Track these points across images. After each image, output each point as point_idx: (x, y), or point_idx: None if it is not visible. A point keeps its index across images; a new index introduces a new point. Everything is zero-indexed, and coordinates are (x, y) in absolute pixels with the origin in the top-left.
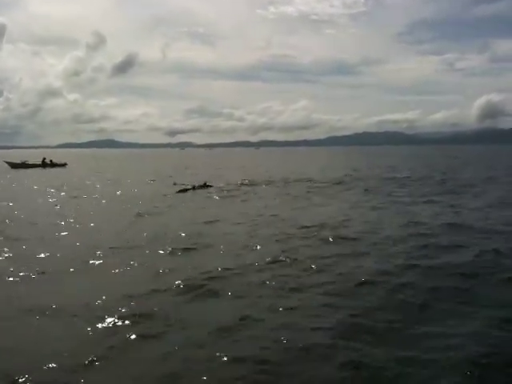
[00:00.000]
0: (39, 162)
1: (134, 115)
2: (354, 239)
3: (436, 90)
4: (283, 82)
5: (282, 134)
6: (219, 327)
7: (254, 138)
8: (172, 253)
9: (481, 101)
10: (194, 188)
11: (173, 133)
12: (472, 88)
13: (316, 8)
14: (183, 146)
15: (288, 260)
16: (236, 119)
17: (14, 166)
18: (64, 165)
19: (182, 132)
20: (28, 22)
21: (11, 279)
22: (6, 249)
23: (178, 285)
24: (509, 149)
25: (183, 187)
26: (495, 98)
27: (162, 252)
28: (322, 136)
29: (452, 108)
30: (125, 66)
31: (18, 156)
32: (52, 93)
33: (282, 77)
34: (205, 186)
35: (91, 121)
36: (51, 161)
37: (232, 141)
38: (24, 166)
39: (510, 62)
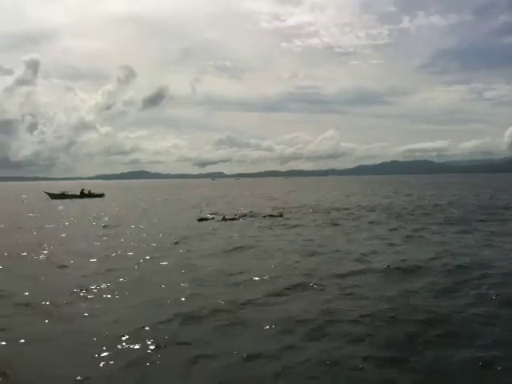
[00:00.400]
0: (77, 193)
1: (164, 147)
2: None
3: (464, 119)
4: (309, 112)
5: (310, 163)
6: None
7: (282, 168)
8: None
9: (511, 130)
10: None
11: (202, 163)
12: (501, 117)
13: (340, 40)
14: (213, 176)
15: None
16: (264, 149)
17: (53, 196)
18: (101, 195)
19: (212, 162)
20: (60, 58)
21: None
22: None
23: None
24: None
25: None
26: None
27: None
28: (350, 165)
29: (482, 137)
30: (155, 99)
31: (54, 187)
32: (84, 126)
33: (308, 107)
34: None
35: (123, 153)
36: (89, 191)
37: (261, 170)
38: (63, 196)
39: None
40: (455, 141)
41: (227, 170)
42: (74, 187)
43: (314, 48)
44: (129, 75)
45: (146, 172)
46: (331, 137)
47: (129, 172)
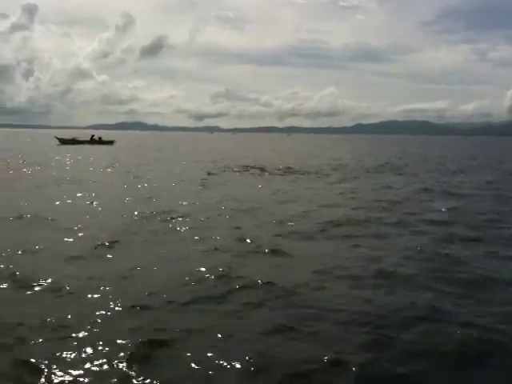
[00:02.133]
0: (88, 139)
1: (161, 97)
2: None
3: (466, 79)
4: (311, 67)
5: (308, 120)
6: None
7: (281, 124)
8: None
9: None
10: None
11: (200, 116)
12: (503, 79)
13: None
14: (210, 130)
15: None
16: (263, 104)
17: (63, 141)
18: (112, 142)
19: (209, 116)
20: (58, 2)
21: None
22: None
23: None
24: None
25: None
26: None
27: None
28: (349, 123)
29: (483, 98)
30: (153, 48)
31: (50, 135)
32: (81, 73)
33: (310, 62)
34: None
35: (119, 102)
36: (100, 138)
37: (259, 126)
38: (73, 142)
39: None
40: (455, 102)
41: (224, 123)
42: (69, 136)
43: (319, 1)
44: (128, 22)
45: (143, 123)
46: (331, 94)
47: (125, 122)
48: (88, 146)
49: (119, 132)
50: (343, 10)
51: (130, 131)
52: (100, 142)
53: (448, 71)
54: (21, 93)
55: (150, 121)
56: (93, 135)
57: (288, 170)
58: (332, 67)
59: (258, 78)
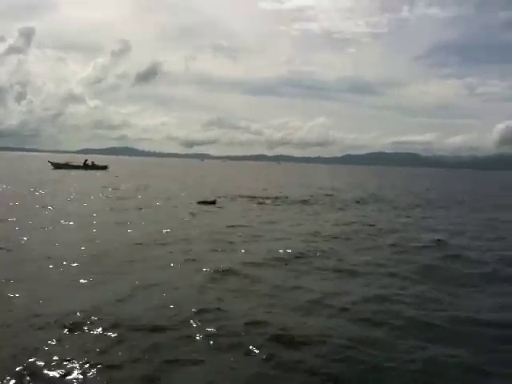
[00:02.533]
0: (81, 163)
1: (153, 124)
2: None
3: (455, 114)
4: (302, 97)
5: (298, 150)
6: None
7: (270, 152)
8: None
9: (500, 126)
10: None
11: (190, 143)
12: (492, 113)
13: (339, 26)
14: (200, 157)
15: None
16: (253, 132)
17: (56, 166)
18: (105, 167)
19: (199, 143)
20: (55, 28)
21: None
22: None
23: None
24: None
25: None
26: None
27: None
28: (339, 154)
29: (471, 132)
30: (148, 75)
31: (40, 159)
32: (73, 98)
33: (302, 93)
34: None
35: (110, 127)
36: (93, 162)
37: (249, 154)
38: (66, 166)
39: None
40: (443, 135)
41: (214, 151)
42: (60, 159)
43: (313, 32)
44: (123, 49)
45: (133, 149)
46: (322, 124)
47: (115, 147)
48: (82, 172)
49: (110, 157)
50: (336, 43)
51: (120, 156)
52: (93, 167)
53: (438, 105)
54: (12, 116)
55: (141, 147)
56: (86, 160)
57: (277, 200)
58: (323, 98)
59: (250, 107)
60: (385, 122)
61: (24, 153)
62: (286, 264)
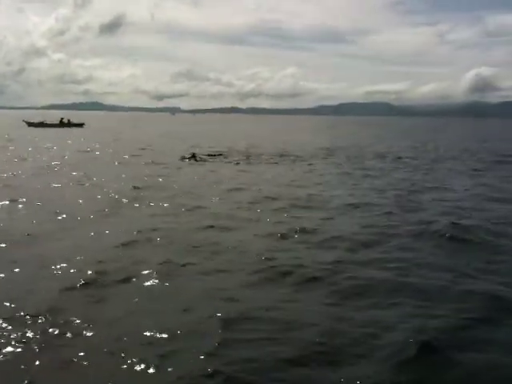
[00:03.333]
0: (57, 121)
1: (119, 77)
2: None
3: (427, 62)
4: (272, 47)
5: (271, 101)
6: None
7: (242, 105)
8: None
9: (470, 74)
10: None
11: (159, 96)
12: (462, 61)
13: None
14: (170, 110)
15: None
16: (224, 84)
17: (31, 124)
18: (81, 125)
19: (169, 96)
20: None
21: None
22: None
23: None
24: (494, 123)
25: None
26: (485, 71)
27: None
28: (311, 104)
29: (442, 80)
30: (112, 26)
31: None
32: (36, 52)
33: (272, 42)
34: None
35: (75, 82)
36: (69, 120)
37: (221, 106)
38: (42, 125)
39: (502, 37)
40: (415, 84)
41: (184, 104)
42: (25, 117)
43: None
44: None
45: (100, 103)
46: (292, 74)
47: (81, 103)
48: (58, 129)
49: (78, 112)
50: None
51: (87, 112)
52: (69, 124)
53: (409, 53)
54: None
55: (107, 101)
56: (62, 118)
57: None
58: (293, 48)
59: (219, 57)
60: (356, 71)
61: None
62: None
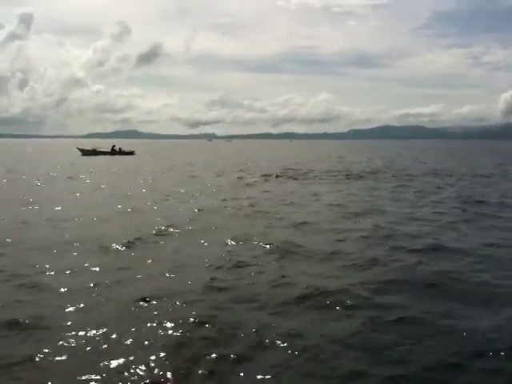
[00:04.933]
0: (109, 149)
1: (156, 106)
2: None
3: (460, 84)
4: (304, 73)
5: (303, 126)
6: None
7: (275, 130)
8: None
9: (506, 95)
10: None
11: (195, 124)
12: (497, 82)
13: None
14: (208, 137)
15: None
16: (257, 110)
17: (85, 153)
18: (132, 153)
19: (204, 123)
20: (53, 12)
21: None
22: None
23: None
24: None
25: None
26: None
27: None
28: (344, 129)
29: (476, 102)
30: (149, 57)
31: (45, 144)
32: (76, 83)
33: (304, 68)
34: None
35: (114, 111)
36: (120, 148)
37: (254, 132)
38: (95, 152)
39: None
40: (449, 106)
41: (219, 131)
42: (66, 145)
43: (312, 7)
44: (123, 31)
45: (138, 131)
46: (325, 99)
47: (120, 131)
48: (110, 157)
49: (119, 140)
50: (336, 16)
51: (126, 139)
52: (121, 152)
53: (442, 75)
54: (16, 103)
55: (145, 129)
56: (113, 146)
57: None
58: (325, 73)
59: (252, 85)
60: (388, 94)
61: (29, 139)
62: None
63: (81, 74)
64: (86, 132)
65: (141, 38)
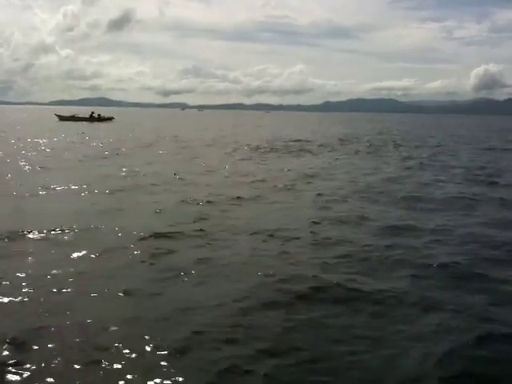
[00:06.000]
0: (87, 115)
1: (127, 73)
2: None
3: (434, 58)
4: (279, 43)
5: (277, 98)
6: None
7: (248, 101)
8: None
9: (478, 71)
10: None
11: (167, 93)
12: (469, 57)
13: None
14: (177, 106)
15: None
16: (231, 81)
17: (62, 118)
18: (111, 119)
19: (176, 92)
20: None
21: None
22: None
23: None
24: (502, 120)
25: None
26: (492, 68)
27: None
28: (318, 101)
29: (449, 77)
30: (121, 23)
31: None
32: (44, 48)
33: (278, 38)
34: None
35: (83, 78)
36: (99, 115)
37: (227, 103)
38: (73, 119)
39: (510, 33)
40: (422, 80)
41: (191, 100)
42: (35, 112)
43: None
44: None
45: (108, 99)
46: (300, 71)
47: (89, 98)
48: (87, 123)
49: (85, 108)
50: None
51: (95, 107)
52: (99, 119)
53: (415, 49)
54: None
55: (115, 97)
56: (92, 112)
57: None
58: (300, 44)
59: (226, 54)
60: (363, 67)
61: None
62: None
63: (49, 40)
64: (53, 99)
65: (112, 3)
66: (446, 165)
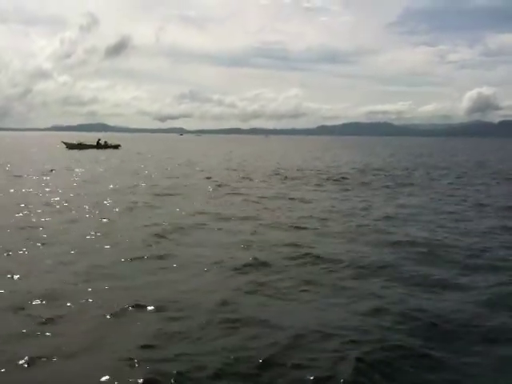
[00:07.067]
0: (94, 143)
1: (124, 99)
2: None
3: (428, 81)
4: (275, 68)
5: (273, 122)
6: None
7: (244, 126)
8: None
9: (472, 93)
10: None
11: (163, 118)
12: (463, 81)
13: None
14: (174, 131)
15: None
16: (227, 105)
17: (70, 146)
18: (117, 146)
19: (173, 117)
20: (17, 1)
21: None
22: None
23: None
24: (494, 142)
25: None
26: (486, 91)
27: None
28: (313, 125)
29: (443, 100)
30: (118, 49)
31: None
32: (42, 74)
33: (274, 63)
34: None
35: (80, 103)
36: (105, 142)
37: (223, 127)
38: (80, 146)
39: (502, 56)
40: (416, 103)
41: (188, 125)
42: (34, 138)
43: (282, 1)
44: (91, 22)
45: (105, 124)
46: (295, 95)
47: (86, 124)
48: (95, 151)
49: (85, 134)
50: (307, 12)
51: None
52: (106, 146)
53: (410, 73)
54: None
55: (112, 122)
56: (99, 139)
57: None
58: (296, 68)
59: (222, 79)
60: (358, 91)
61: None
62: None
63: (46, 66)
64: (51, 124)
65: (109, 30)
66: None
